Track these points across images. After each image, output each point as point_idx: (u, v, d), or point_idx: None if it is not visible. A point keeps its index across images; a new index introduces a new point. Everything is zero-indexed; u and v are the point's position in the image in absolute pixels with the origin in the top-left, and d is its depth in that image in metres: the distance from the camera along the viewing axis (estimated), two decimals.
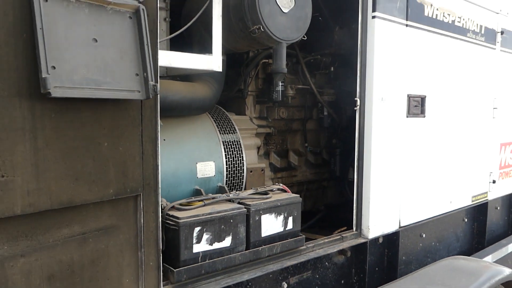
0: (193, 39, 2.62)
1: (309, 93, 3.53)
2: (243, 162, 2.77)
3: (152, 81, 1.57)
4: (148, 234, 1.72)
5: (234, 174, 2.73)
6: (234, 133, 2.80)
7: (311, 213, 3.64)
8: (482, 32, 3.84)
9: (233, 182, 2.74)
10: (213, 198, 2.25)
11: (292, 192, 2.62)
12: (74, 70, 1.34)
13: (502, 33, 4.07)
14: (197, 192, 2.51)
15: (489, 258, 3.88)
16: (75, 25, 1.37)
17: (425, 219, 3.39)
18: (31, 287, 1.41)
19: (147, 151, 1.68)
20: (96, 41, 1.43)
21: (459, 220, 3.89)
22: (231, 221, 2.15)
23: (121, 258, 1.66)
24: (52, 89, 1.25)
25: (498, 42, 4.06)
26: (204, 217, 2.04)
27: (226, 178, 2.69)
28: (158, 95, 1.70)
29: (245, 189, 2.79)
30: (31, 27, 1.29)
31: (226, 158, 2.68)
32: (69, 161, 1.44)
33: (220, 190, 2.60)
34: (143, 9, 1.55)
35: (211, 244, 2.08)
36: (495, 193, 4.26)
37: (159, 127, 1.73)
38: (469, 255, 3.98)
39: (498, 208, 4.49)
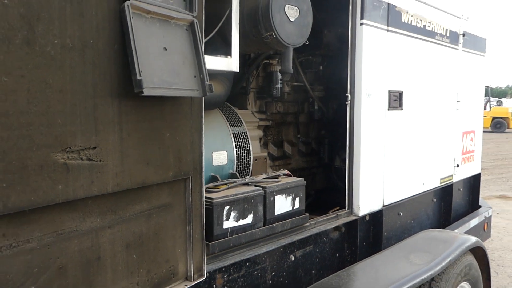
0: (206, 43, 2.91)
1: (301, 90, 3.89)
2: (250, 151, 3.11)
3: (207, 81, 1.89)
4: (195, 211, 2.04)
5: (242, 162, 3.07)
6: (242, 125, 3.13)
7: None
8: (447, 34, 4.34)
9: (242, 170, 3.08)
10: (233, 182, 2.59)
11: None
12: (154, 73, 1.65)
13: (463, 35, 4.60)
14: (213, 178, 2.83)
15: None
16: (151, 36, 1.68)
17: (403, 199, 3.86)
18: (115, 253, 1.71)
19: (195, 140, 2.00)
20: (166, 49, 1.74)
21: (429, 200, 4.39)
22: (252, 201, 2.50)
23: (175, 231, 1.98)
24: (145, 89, 1.55)
25: (460, 43, 4.59)
26: (232, 197, 2.38)
27: (236, 166, 3.02)
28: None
29: (251, 175, 3.14)
30: (121, 38, 1.58)
31: (236, 148, 3.02)
32: (143, 148, 1.74)
33: (232, 176, 2.93)
34: (196, 23, 1.87)
35: (237, 221, 2.42)
36: (458, 176, 4.81)
37: (203, 120, 2.05)
38: None
39: (461, 189, 5.05)
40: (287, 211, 2.75)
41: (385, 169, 3.55)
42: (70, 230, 1.55)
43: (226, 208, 2.36)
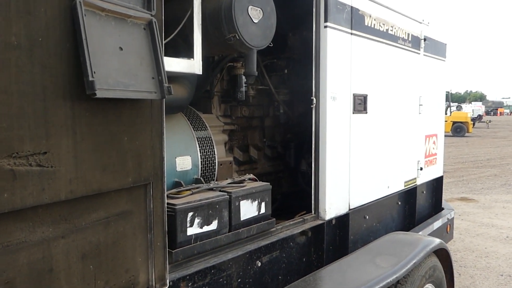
0: (168, 44, 2.84)
1: (266, 93, 3.86)
2: (214, 156, 3.05)
3: (166, 83, 1.82)
4: (156, 218, 1.96)
5: (207, 167, 3.00)
6: (206, 130, 3.07)
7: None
8: (409, 39, 4.42)
9: (207, 175, 3.01)
10: (197, 187, 2.52)
11: None
12: (108, 74, 1.57)
13: (424, 40, 4.70)
14: (177, 184, 2.75)
15: None
16: (106, 36, 1.60)
17: (368, 202, 3.88)
18: (70, 265, 1.61)
19: (155, 145, 1.92)
20: (122, 49, 1.66)
21: (394, 203, 4.43)
22: (217, 206, 2.44)
23: (135, 240, 1.89)
24: (98, 91, 1.47)
25: (422, 47, 4.68)
26: (195, 203, 2.31)
27: (201, 171, 2.95)
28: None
29: (216, 180, 3.07)
30: (72, 38, 1.50)
31: (200, 153, 2.95)
32: (98, 153, 1.65)
33: (196, 181, 2.86)
34: (155, 22, 1.80)
35: (201, 227, 2.35)
36: (422, 178, 4.89)
37: (164, 124, 1.98)
38: None
39: (424, 192, 5.14)
40: (253, 216, 2.70)
41: (351, 172, 3.56)
42: (18, 241, 1.45)
43: (190, 214, 2.28)
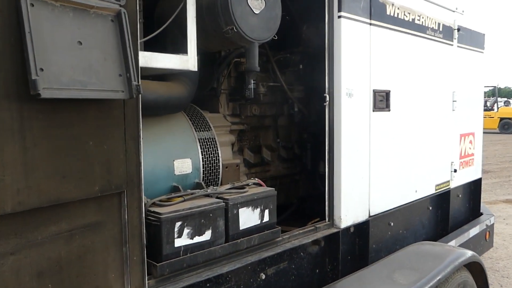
0: (166, 40, 2.67)
1: (279, 90, 3.62)
2: (218, 159, 2.84)
3: (135, 81, 1.63)
4: (132, 230, 1.78)
5: (210, 170, 2.80)
6: (209, 130, 2.87)
7: (285, 206, 3.74)
8: (440, 29, 4.04)
9: (210, 178, 2.81)
10: (191, 193, 2.32)
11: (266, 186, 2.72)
12: (61, 72, 1.39)
13: (458, 30, 4.30)
14: (175, 189, 2.56)
15: (453, 243, 4.09)
16: (60, 29, 1.42)
17: (393, 208, 3.56)
18: (21, 284, 1.45)
19: (130, 149, 1.74)
20: (81, 43, 1.48)
21: (424, 208, 4.08)
22: (211, 215, 2.23)
23: (107, 254, 1.71)
24: (42, 91, 1.29)
25: (455, 38, 4.29)
26: (184, 212, 2.12)
27: (203, 174, 2.76)
28: (140, 94, 1.76)
29: (221, 184, 2.87)
30: (18, 31, 1.33)
31: (202, 155, 2.75)
32: (56, 160, 1.48)
33: (197, 186, 2.66)
34: (124, 13, 1.61)
35: (191, 238, 2.15)
36: (456, 181, 4.49)
37: (141, 126, 1.79)
38: (434, 241, 4.20)
39: (460, 196, 4.73)
40: (255, 225, 2.47)
41: (371, 176, 3.26)
42: None
43: (178, 224, 2.09)
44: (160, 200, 2.20)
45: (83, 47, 1.49)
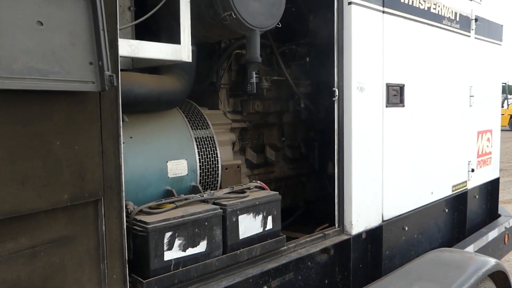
0: (161, 29, 2.43)
1: (284, 85, 3.38)
2: (217, 159, 2.59)
3: (108, 70, 1.38)
4: (111, 244, 1.53)
5: (208, 172, 2.56)
6: (207, 128, 2.62)
7: (291, 210, 3.49)
8: (457, 19, 3.77)
9: (208, 181, 2.56)
10: (185, 199, 2.07)
11: (270, 189, 2.48)
12: (13, 57, 1.15)
13: (476, 20, 4.01)
14: (169, 193, 2.32)
15: (471, 248, 3.83)
16: (14, 6, 1.17)
17: (408, 212, 3.30)
18: None
19: (107, 149, 1.49)
20: (42, 24, 1.24)
21: (440, 211, 3.82)
22: (206, 223, 1.98)
23: (80, 273, 1.47)
24: None
25: (472, 29, 4.00)
26: (175, 220, 1.87)
27: (200, 176, 2.51)
28: (119, 86, 1.52)
29: (220, 187, 2.63)
30: None
31: (199, 156, 2.51)
32: (13, 163, 1.24)
33: (194, 190, 2.43)
34: None
35: (184, 250, 1.90)
36: (474, 182, 4.21)
37: (121, 123, 1.54)
38: (450, 246, 3.92)
39: (477, 197, 4.45)
40: (256, 234, 2.22)
41: (385, 178, 3.00)
42: None
43: (168, 234, 1.84)
44: (149, 207, 1.95)
45: (44, 28, 1.24)
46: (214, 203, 2.12)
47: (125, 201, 2.04)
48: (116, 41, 1.52)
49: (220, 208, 2.06)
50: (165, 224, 1.82)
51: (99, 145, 1.46)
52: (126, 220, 1.86)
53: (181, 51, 2.10)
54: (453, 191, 3.88)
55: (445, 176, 3.75)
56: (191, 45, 2.27)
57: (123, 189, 1.55)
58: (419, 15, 3.26)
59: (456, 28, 3.76)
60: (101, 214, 1.49)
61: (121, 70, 2.30)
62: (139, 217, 1.85)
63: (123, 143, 2.15)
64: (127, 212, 1.89)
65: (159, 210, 1.91)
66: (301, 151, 3.62)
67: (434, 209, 3.70)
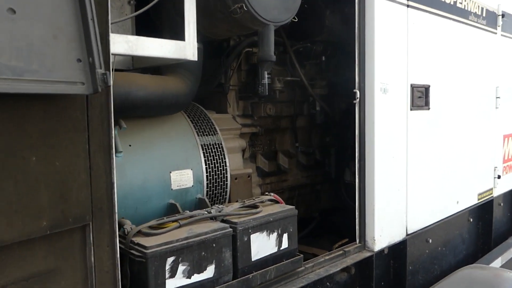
0: (164, 25, 2.20)
1: (299, 86, 3.15)
2: (226, 168, 2.36)
3: (100, 68, 1.13)
4: (101, 276, 1.29)
5: (216, 183, 2.32)
6: (215, 134, 2.38)
7: (305, 220, 3.25)
8: (483, 14, 3.52)
9: (215, 193, 2.32)
10: (190, 216, 1.83)
11: (283, 199, 2.24)
12: None
13: (503, 16, 3.75)
14: (172, 208, 2.09)
15: (498, 261, 3.61)
16: None
17: (433, 223, 3.04)
18: None
19: (96, 165, 1.25)
20: (14, 12, 1.00)
21: (464, 221, 3.60)
22: (214, 245, 1.73)
23: None
24: None
25: (499, 26, 3.74)
26: (178, 243, 1.62)
27: (207, 188, 2.27)
28: (111, 89, 1.28)
29: (229, 199, 2.39)
30: None
31: (206, 165, 2.27)
32: None
33: (200, 203, 2.20)
34: None
35: (189, 277, 1.66)
36: (500, 189, 3.96)
37: (113, 132, 1.30)
38: (475, 257, 3.74)
39: (501, 204, 4.21)
40: (270, 254, 1.98)
41: (409, 187, 2.75)
42: None
43: (170, 260, 1.59)
44: (149, 227, 1.70)
45: (18, 17, 1.00)
46: (222, 220, 1.88)
47: (122, 219, 1.83)
48: (107, 35, 1.27)
49: (230, 227, 1.81)
50: (167, 248, 1.58)
51: (86, 160, 1.22)
52: (123, 243, 1.63)
53: (186, 48, 1.86)
54: (479, 199, 3.64)
55: (471, 183, 3.52)
56: (197, 42, 2.03)
57: (116, 210, 1.31)
58: (445, 10, 3.02)
59: (482, 24, 3.51)
60: (90, 242, 1.25)
61: (119, 70, 2.09)
62: (137, 239, 1.60)
63: (120, 152, 1.95)
64: (123, 233, 1.65)
65: (160, 231, 1.67)
66: (316, 158, 3.41)
67: (459, 219, 3.49)
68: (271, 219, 1.97)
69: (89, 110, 1.23)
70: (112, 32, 1.36)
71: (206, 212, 1.91)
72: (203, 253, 1.70)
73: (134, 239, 1.62)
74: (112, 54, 1.74)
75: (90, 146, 1.23)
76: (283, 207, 2.10)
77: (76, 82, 1.10)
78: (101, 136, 1.26)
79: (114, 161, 1.30)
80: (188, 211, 1.92)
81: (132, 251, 1.58)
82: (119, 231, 1.71)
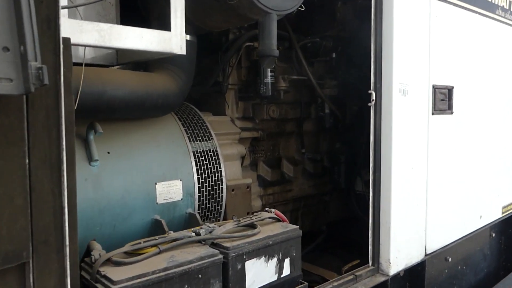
0: (150, 14, 1.93)
1: (306, 86, 2.92)
2: (221, 178, 2.09)
3: (36, 61, 0.85)
4: None
5: (209, 195, 2.06)
6: (210, 139, 2.11)
7: (311, 234, 2.98)
8: (511, 9, 3.19)
9: (209, 206, 2.07)
10: (173, 240, 1.54)
11: (287, 210, 1.96)
12: None
13: None
14: (157, 224, 1.82)
15: None
16: None
17: (454, 241, 2.74)
18: None
19: (40, 185, 0.97)
20: None
21: (486, 236, 3.32)
22: (200, 276, 1.45)
23: None
24: None
25: None
26: (155, 276, 1.33)
27: (199, 201, 2.01)
28: (61, 87, 1.00)
29: (225, 213, 2.11)
30: None
31: (198, 175, 2.01)
32: None
33: (190, 218, 1.94)
34: None
35: None
36: None
37: (64, 143, 1.01)
38: (497, 275, 3.50)
39: None
40: (269, 283, 1.70)
41: (429, 202, 2.45)
42: None
43: None
44: (123, 253, 1.42)
45: None
46: (212, 244, 1.59)
47: (93, 241, 1.55)
48: (57, 18, 0.99)
49: (221, 253, 1.53)
50: (140, 283, 1.29)
51: (24, 179, 0.93)
52: (88, 273, 1.35)
53: (171, 40, 1.58)
54: (503, 213, 3.34)
55: (495, 196, 3.23)
56: (190, 34, 1.76)
57: (67, 243, 1.03)
58: (470, 3, 2.74)
59: (510, 19, 3.19)
60: (29, 284, 0.97)
61: (92, 65, 1.82)
62: (105, 270, 1.32)
63: (96, 160, 1.68)
64: (90, 261, 1.37)
65: (134, 259, 1.38)
66: (324, 166, 3.20)
67: (482, 235, 3.24)
68: (271, 242, 1.69)
69: (29, 115, 0.95)
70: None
71: (194, 234, 1.62)
72: (186, 286, 1.41)
73: (102, 269, 1.33)
74: (82, 45, 1.49)
75: (31, 161, 0.95)
76: (285, 227, 1.81)
77: (1, 78, 0.82)
78: (46, 148, 0.98)
79: (65, 179, 1.02)
80: (172, 232, 1.63)
81: (98, 285, 1.30)
82: (87, 257, 1.45)
